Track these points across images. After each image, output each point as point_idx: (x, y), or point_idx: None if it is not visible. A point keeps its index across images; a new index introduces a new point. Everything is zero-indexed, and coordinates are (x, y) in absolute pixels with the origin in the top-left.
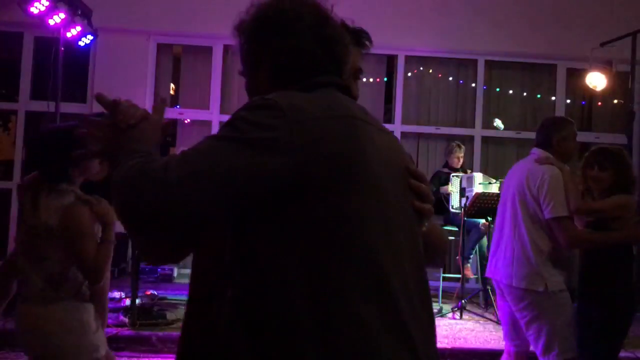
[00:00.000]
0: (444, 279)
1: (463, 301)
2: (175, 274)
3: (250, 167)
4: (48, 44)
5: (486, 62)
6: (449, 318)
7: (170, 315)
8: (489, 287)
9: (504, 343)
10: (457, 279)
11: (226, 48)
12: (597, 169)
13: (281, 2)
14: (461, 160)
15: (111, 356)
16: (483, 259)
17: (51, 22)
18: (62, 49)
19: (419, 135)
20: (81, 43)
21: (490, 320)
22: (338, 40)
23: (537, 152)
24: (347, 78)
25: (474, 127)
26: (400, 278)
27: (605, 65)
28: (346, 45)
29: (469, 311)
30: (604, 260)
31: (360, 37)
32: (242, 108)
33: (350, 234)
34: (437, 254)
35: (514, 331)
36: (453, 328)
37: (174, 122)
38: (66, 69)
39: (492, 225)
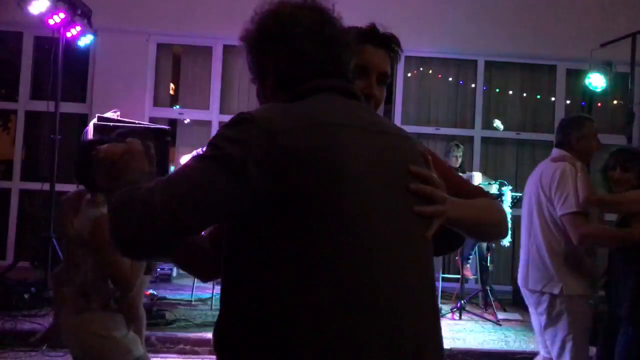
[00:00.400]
0: (443, 279)
1: (462, 302)
2: (174, 274)
3: (228, 185)
4: (48, 43)
5: (486, 62)
6: (448, 318)
7: (169, 315)
8: (488, 288)
9: (503, 344)
10: (456, 280)
11: (226, 48)
12: (620, 171)
13: (281, 8)
14: (459, 160)
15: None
16: (482, 260)
17: (51, 21)
18: (62, 48)
19: (418, 136)
20: (81, 43)
21: (490, 320)
22: (338, 41)
23: (555, 151)
24: (352, 77)
25: (473, 128)
26: (391, 284)
27: (605, 66)
28: (347, 44)
29: (468, 312)
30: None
31: (389, 42)
32: (224, 125)
33: (323, 246)
34: (491, 228)
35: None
36: (452, 328)
37: (173, 123)
38: (66, 68)
39: None
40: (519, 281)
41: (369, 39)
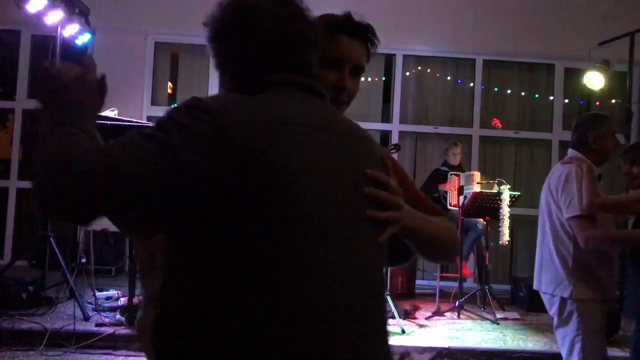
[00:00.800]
0: (442, 278)
1: (460, 301)
2: None
3: (167, 172)
4: (45, 42)
5: (484, 61)
6: (447, 317)
7: None
8: (486, 287)
9: (501, 343)
10: (454, 279)
11: None
12: (629, 165)
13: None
14: (458, 157)
15: None
16: (480, 259)
17: (48, 20)
18: (59, 47)
19: (417, 135)
20: (78, 42)
21: (488, 319)
22: (300, 36)
23: (568, 152)
24: (317, 73)
25: (472, 127)
26: (339, 289)
27: (603, 65)
28: (313, 41)
29: (467, 311)
30: None
31: (365, 33)
32: (175, 107)
33: (255, 253)
34: (443, 248)
35: None
36: (450, 327)
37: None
38: None
39: (489, 225)
40: (534, 283)
41: (343, 29)
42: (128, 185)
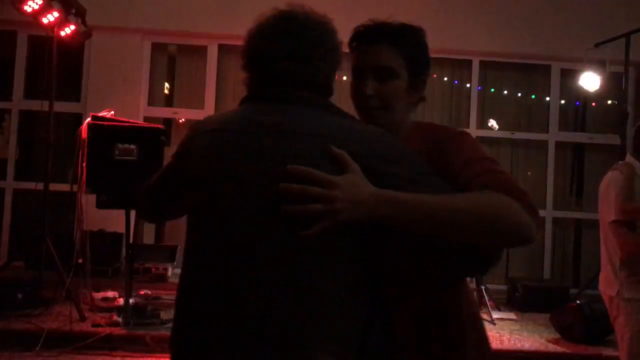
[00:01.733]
0: None
1: None
2: (169, 274)
3: (168, 177)
4: (42, 42)
5: (481, 62)
6: None
7: (164, 315)
8: (482, 287)
9: (498, 343)
10: None
11: (221, 47)
12: None
13: (256, 22)
14: None
15: None
16: None
17: (45, 20)
18: (56, 47)
19: None
20: (75, 42)
21: (484, 320)
22: (279, 52)
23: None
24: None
25: (468, 128)
26: (221, 301)
27: (599, 66)
28: (296, 54)
29: None
30: None
31: (375, 33)
32: None
33: (188, 240)
34: (469, 229)
35: None
36: None
37: (167, 123)
38: (60, 67)
39: None
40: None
41: (355, 38)
42: (155, 194)
